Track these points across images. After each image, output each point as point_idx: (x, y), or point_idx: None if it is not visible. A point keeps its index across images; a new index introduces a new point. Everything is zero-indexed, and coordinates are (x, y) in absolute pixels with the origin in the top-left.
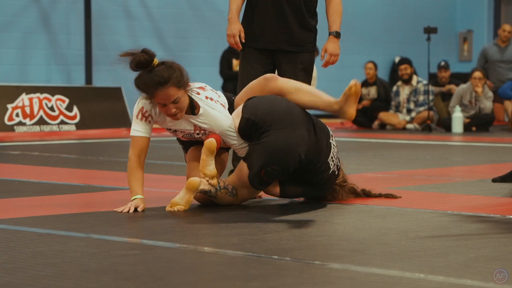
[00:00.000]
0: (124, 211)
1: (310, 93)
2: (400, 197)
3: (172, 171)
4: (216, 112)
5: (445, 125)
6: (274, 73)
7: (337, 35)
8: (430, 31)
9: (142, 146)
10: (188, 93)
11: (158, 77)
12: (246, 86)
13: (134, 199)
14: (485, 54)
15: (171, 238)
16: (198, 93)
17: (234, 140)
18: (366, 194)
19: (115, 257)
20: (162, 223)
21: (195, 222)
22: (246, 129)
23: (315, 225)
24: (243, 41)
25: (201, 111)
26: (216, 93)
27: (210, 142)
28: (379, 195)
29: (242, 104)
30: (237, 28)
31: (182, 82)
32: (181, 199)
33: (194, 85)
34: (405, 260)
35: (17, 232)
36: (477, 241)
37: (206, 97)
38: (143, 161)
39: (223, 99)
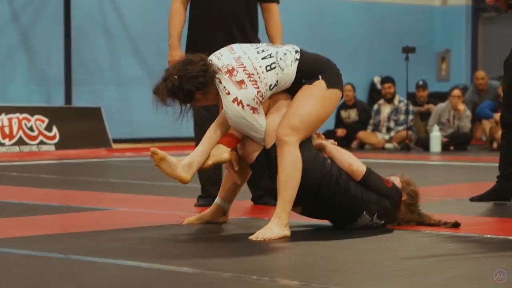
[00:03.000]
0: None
1: None
2: (459, 225)
3: (153, 192)
4: (240, 122)
5: (424, 144)
6: None
7: None
8: (408, 50)
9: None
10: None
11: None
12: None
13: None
14: None
15: (150, 259)
16: (228, 93)
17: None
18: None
19: (95, 278)
20: (142, 244)
21: (175, 243)
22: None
23: (296, 244)
24: None
25: (224, 111)
26: (252, 79)
27: (225, 159)
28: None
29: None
30: (178, 54)
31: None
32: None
33: (224, 69)
34: (385, 280)
35: None
36: (456, 261)
37: (234, 100)
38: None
39: (269, 79)
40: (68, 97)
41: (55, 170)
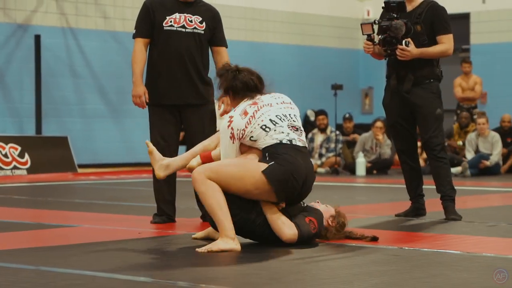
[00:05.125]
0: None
1: None
2: (377, 239)
3: (113, 211)
4: (221, 134)
5: (350, 168)
6: (180, 126)
7: None
8: (336, 87)
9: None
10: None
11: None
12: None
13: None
14: None
15: (110, 269)
16: (235, 110)
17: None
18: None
19: (62, 287)
20: (103, 256)
21: (133, 255)
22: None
23: (240, 257)
24: (147, 101)
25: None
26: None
27: (193, 167)
28: (362, 237)
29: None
30: (142, 89)
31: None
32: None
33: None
34: (315, 287)
35: None
36: (378, 269)
37: (231, 117)
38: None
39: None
40: (38, 128)
41: (27, 192)
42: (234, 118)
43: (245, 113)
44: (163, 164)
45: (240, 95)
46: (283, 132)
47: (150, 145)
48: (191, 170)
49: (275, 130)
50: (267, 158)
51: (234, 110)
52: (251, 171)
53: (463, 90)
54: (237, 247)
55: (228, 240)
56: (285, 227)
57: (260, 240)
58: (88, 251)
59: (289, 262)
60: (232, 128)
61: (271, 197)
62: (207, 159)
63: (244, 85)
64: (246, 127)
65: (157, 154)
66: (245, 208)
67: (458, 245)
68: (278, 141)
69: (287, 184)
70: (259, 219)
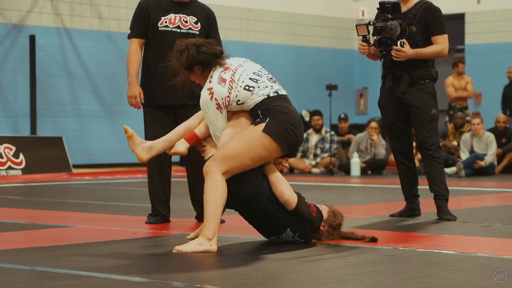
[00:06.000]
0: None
1: None
2: (376, 239)
3: (108, 211)
4: (205, 110)
5: (345, 169)
6: (175, 125)
7: None
8: (331, 88)
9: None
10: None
11: None
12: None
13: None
14: None
15: (106, 270)
16: (210, 81)
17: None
18: (349, 237)
19: (57, 287)
20: (98, 256)
21: (128, 255)
22: None
23: (235, 256)
24: (143, 101)
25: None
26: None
27: (181, 151)
28: (362, 238)
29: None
30: (137, 90)
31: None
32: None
33: (232, 64)
34: (310, 287)
35: None
36: (373, 269)
37: (209, 89)
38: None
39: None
40: (33, 128)
41: (22, 192)
42: (214, 89)
43: (223, 80)
44: (145, 147)
45: (210, 66)
46: (267, 87)
47: (129, 129)
48: (177, 154)
49: (259, 87)
50: (261, 116)
51: (210, 81)
52: (254, 137)
53: (455, 90)
54: (212, 248)
55: (204, 241)
56: (286, 188)
57: (265, 218)
58: (83, 251)
59: (284, 262)
60: (216, 99)
61: (279, 152)
62: (193, 140)
63: (213, 55)
64: (229, 93)
65: (137, 137)
66: (257, 173)
67: (453, 245)
68: (266, 96)
69: (288, 134)
70: (266, 184)
